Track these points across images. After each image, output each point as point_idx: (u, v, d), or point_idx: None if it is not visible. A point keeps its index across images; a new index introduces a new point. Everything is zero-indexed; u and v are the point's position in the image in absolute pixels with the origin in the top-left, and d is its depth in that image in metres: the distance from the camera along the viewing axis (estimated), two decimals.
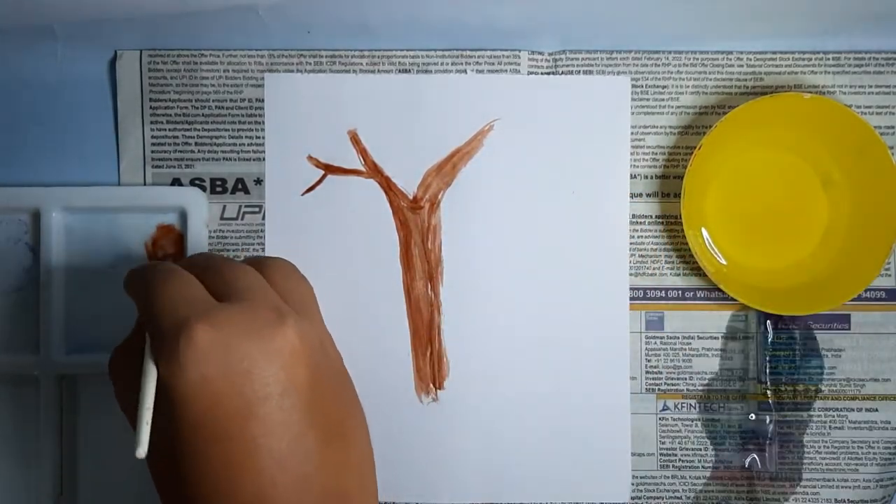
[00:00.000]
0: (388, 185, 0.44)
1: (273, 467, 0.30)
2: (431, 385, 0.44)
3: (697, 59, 0.44)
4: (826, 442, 0.44)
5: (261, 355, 0.30)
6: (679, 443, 0.44)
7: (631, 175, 0.44)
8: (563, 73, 0.44)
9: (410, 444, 0.44)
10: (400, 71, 0.44)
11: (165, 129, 0.44)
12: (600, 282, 0.44)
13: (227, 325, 0.30)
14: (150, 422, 0.30)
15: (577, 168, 0.44)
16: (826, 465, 0.44)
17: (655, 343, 0.44)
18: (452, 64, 0.44)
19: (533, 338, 0.44)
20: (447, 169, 0.44)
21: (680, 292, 0.44)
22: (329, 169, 0.44)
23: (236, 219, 0.44)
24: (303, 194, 0.44)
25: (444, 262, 0.44)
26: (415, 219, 0.44)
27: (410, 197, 0.44)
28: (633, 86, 0.44)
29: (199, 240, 0.43)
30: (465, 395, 0.44)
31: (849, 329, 0.44)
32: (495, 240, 0.44)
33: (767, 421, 0.44)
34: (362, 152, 0.44)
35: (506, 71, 0.44)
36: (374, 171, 0.44)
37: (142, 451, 0.30)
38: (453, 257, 0.44)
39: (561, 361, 0.44)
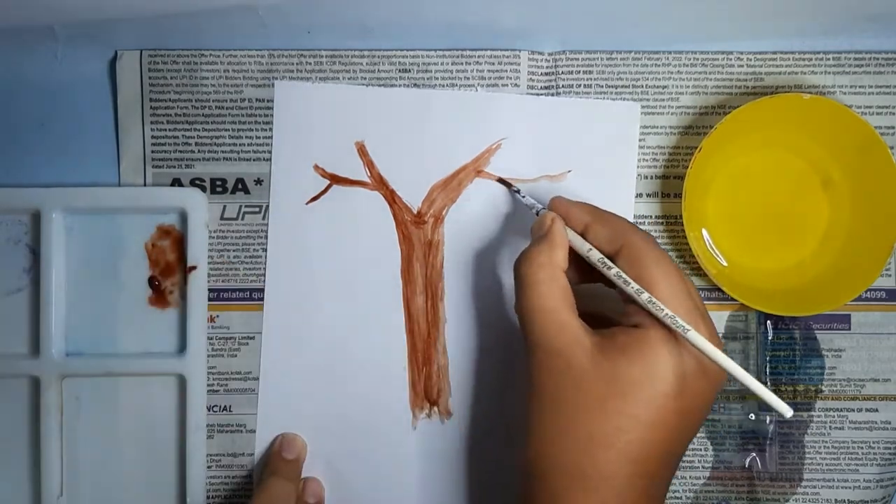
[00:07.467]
0: (392, 199, 0.44)
1: None
2: (426, 401, 0.44)
3: (697, 59, 0.44)
4: (826, 442, 0.44)
5: None
6: None
7: None
8: (563, 73, 0.44)
9: (404, 460, 0.43)
10: (400, 71, 0.44)
11: (165, 129, 0.44)
12: None
13: None
14: None
15: (582, 191, 0.43)
16: (826, 465, 0.44)
17: None
18: (452, 64, 0.44)
19: None
20: (453, 185, 0.44)
21: None
22: (335, 179, 0.44)
23: (236, 219, 0.44)
24: (307, 203, 0.44)
25: (445, 278, 0.44)
26: (418, 233, 0.44)
27: (414, 211, 0.44)
28: (633, 86, 0.44)
29: (199, 240, 0.43)
30: (461, 411, 0.43)
31: (849, 329, 0.44)
32: (497, 258, 0.44)
33: (767, 421, 0.44)
34: (369, 164, 0.44)
35: (506, 70, 0.44)
36: (380, 184, 0.44)
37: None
38: (454, 274, 0.44)
39: None
